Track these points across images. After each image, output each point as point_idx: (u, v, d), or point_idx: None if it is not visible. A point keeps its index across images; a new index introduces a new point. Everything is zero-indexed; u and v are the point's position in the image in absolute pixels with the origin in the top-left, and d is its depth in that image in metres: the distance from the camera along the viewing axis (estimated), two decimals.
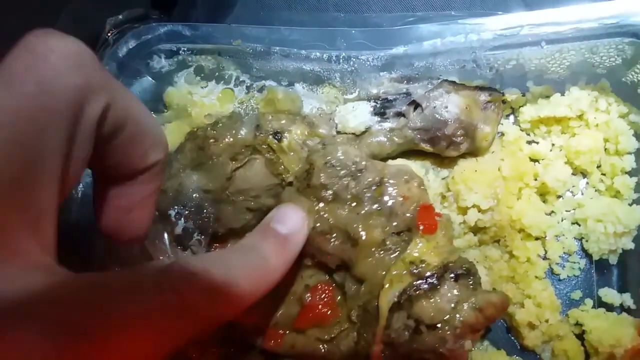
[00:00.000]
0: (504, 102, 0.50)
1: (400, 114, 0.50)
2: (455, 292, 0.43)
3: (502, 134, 0.51)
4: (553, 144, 0.50)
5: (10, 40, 0.23)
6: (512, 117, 0.52)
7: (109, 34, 0.50)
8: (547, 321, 0.46)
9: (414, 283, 0.43)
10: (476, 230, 0.49)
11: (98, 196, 0.31)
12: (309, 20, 0.52)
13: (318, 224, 0.45)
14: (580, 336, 0.46)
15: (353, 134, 0.50)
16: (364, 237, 0.44)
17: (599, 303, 0.47)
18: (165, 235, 0.47)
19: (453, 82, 0.49)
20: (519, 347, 0.47)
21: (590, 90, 0.49)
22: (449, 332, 0.40)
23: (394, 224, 0.45)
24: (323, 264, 0.46)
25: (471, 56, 0.46)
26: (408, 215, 0.46)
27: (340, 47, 0.47)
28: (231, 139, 0.48)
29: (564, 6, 0.44)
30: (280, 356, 0.46)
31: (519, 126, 0.51)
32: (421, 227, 0.45)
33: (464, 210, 0.48)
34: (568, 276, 0.48)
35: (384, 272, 0.43)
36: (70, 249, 0.40)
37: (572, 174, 0.50)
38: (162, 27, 0.51)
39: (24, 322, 0.19)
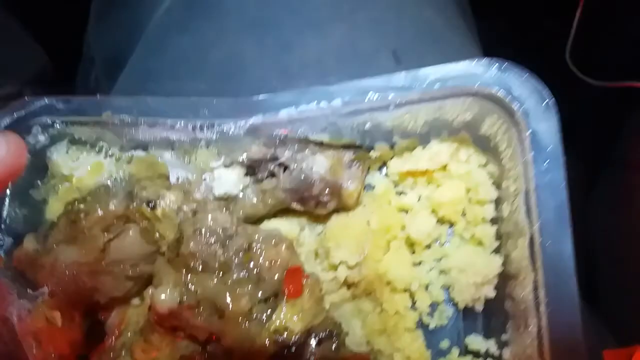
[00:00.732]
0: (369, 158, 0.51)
1: (272, 175, 0.52)
2: (317, 356, 0.45)
3: (373, 187, 0.53)
4: (420, 195, 0.52)
5: None
6: (384, 170, 0.54)
7: None
8: None
9: (278, 352, 0.44)
10: (348, 284, 0.51)
11: None
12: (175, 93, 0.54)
13: (185, 297, 0.46)
14: None
15: (227, 198, 0.51)
16: (230, 308, 0.45)
17: (466, 351, 0.49)
18: None
19: (320, 143, 0.50)
20: None
21: (452, 142, 0.51)
22: None
23: (262, 290, 0.46)
24: (194, 336, 0.47)
25: (327, 122, 0.47)
26: (276, 278, 0.47)
27: (204, 116, 0.48)
28: (102, 212, 0.49)
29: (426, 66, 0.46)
30: None
31: (389, 178, 0.53)
32: (287, 292, 0.46)
33: (334, 267, 0.50)
34: (437, 325, 0.50)
35: (250, 344, 0.45)
36: None
37: (440, 222, 0.52)
38: (36, 101, 0.51)
39: None
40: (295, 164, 0.50)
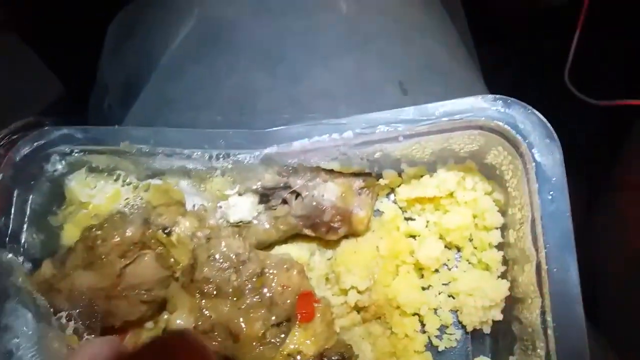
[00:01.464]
0: (378, 185, 0.53)
1: (284, 202, 0.53)
2: None
3: (382, 213, 0.55)
4: (428, 221, 0.54)
5: None
6: (392, 196, 0.56)
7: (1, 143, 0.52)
8: None
9: None
10: (358, 308, 0.52)
11: None
12: (190, 122, 0.55)
13: (200, 323, 0.47)
14: None
15: (240, 224, 0.53)
16: (244, 332, 0.46)
17: None
18: None
19: (330, 171, 0.52)
20: None
21: (458, 170, 0.53)
22: None
23: (274, 315, 0.48)
24: None
25: (338, 152, 0.49)
26: (288, 302, 0.49)
27: (220, 146, 0.50)
28: (118, 238, 0.50)
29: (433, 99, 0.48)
30: None
31: (397, 205, 0.55)
32: (299, 316, 0.48)
33: (345, 291, 0.51)
34: (446, 347, 0.51)
35: None
36: None
37: (448, 248, 0.53)
38: (55, 131, 0.53)
39: None
40: (307, 192, 0.52)
